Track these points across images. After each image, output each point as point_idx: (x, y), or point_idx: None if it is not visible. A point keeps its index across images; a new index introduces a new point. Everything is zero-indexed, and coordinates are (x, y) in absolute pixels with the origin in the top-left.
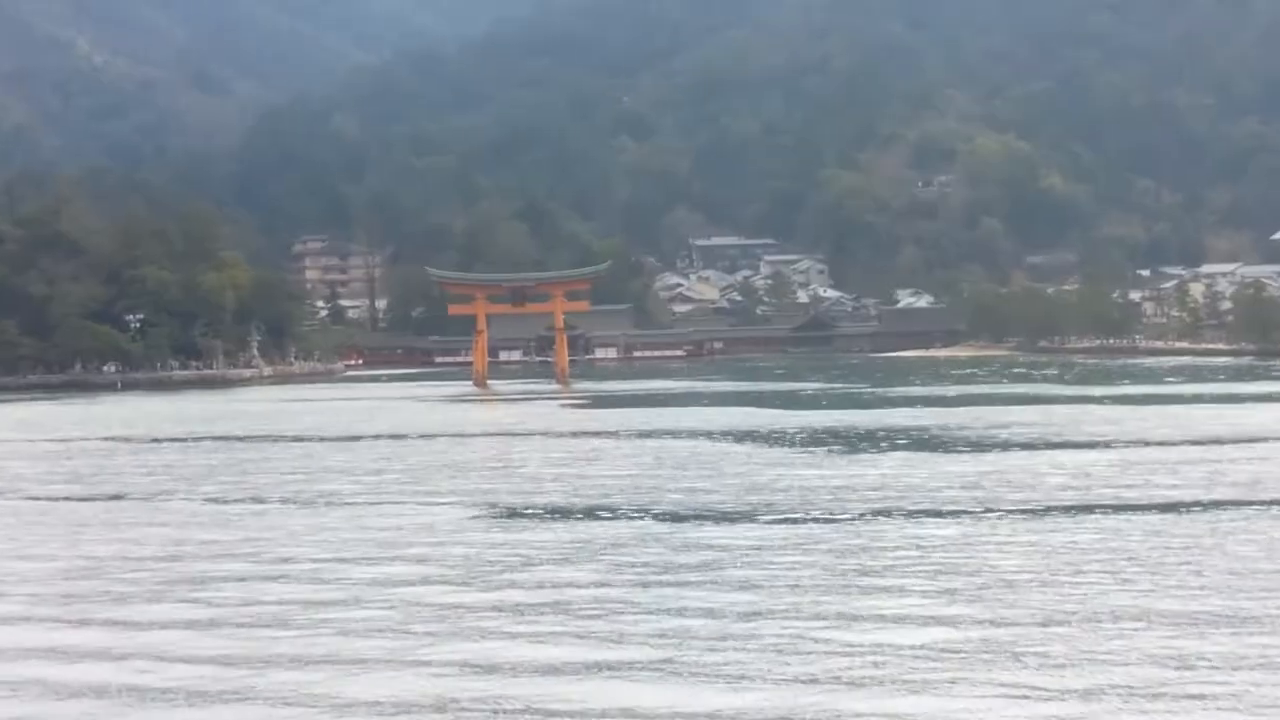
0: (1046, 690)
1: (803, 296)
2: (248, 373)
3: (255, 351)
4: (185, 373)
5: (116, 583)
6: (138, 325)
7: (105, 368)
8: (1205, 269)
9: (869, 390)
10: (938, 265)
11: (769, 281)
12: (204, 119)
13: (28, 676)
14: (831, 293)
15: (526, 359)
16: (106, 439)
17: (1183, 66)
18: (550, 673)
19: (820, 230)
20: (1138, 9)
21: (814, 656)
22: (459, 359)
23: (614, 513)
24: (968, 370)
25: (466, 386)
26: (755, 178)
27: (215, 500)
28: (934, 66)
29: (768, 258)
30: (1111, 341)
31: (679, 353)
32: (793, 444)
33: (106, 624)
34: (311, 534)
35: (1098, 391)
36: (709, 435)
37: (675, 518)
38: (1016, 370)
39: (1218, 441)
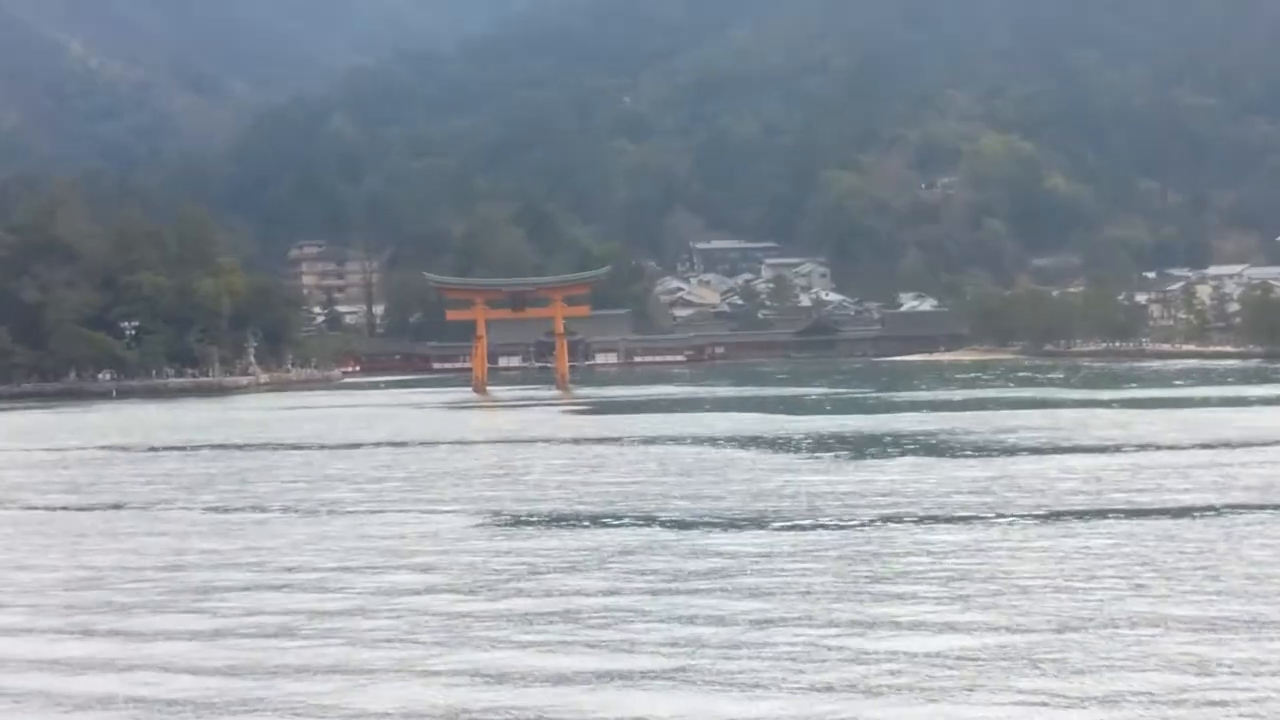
0: (1066, 697)
1: (805, 300)
2: (244, 380)
3: (252, 358)
4: (181, 380)
5: (119, 593)
6: (133, 332)
7: (100, 375)
8: (1212, 271)
9: (874, 395)
10: (941, 268)
11: (770, 285)
12: (199, 121)
13: (31, 688)
14: (834, 296)
15: (526, 365)
16: (103, 448)
17: (1188, 66)
18: (561, 682)
19: (822, 233)
20: (1142, 7)
21: (828, 664)
22: (457, 365)
23: (620, 520)
24: (972, 374)
25: (466, 393)
26: (756, 180)
27: (215, 509)
28: (935, 66)
29: (769, 261)
30: (1118, 345)
31: (680, 358)
32: (799, 449)
33: (110, 635)
34: (314, 543)
35: (1105, 395)
36: (713, 441)
37: (682, 525)
38: (1022, 374)
39: (1228, 445)
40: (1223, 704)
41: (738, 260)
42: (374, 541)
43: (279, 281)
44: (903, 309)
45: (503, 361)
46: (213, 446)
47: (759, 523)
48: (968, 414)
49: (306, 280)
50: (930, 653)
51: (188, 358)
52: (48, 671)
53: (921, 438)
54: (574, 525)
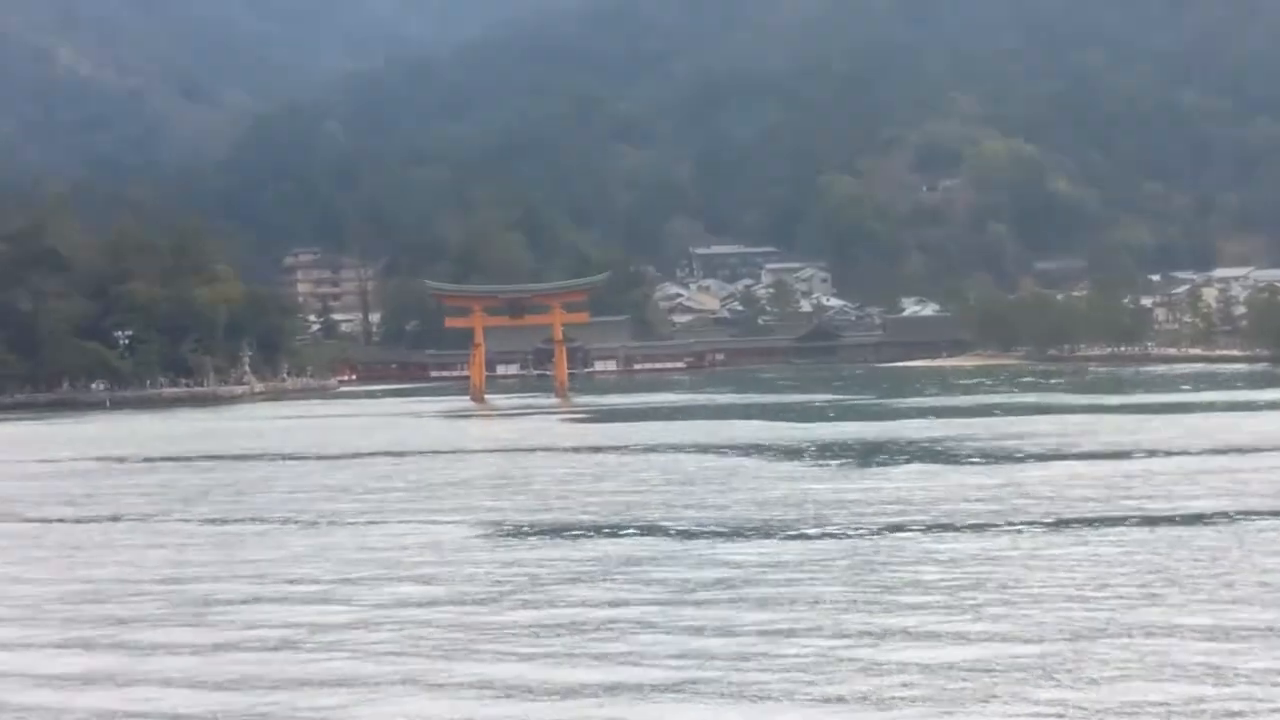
0: (1082, 708)
1: (805, 306)
2: (239, 389)
3: (247, 368)
4: (175, 390)
5: (118, 607)
6: (126, 342)
7: (94, 385)
8: (1218, 273)
9: (877, 402)
10: (943, 272)
11: (771, 291)
12: (192, 130)
13: (31, 704)
14: (835, 302)
15: (524, 372)
16: (98, 459)
17: (1193, 67)
18: (569, 695)
19: (822, 237)
20: (1147, 8)
21: (840, 676)
22: (455, 373)
23: (624, 530)
24: (976, 380)
25: (464, 401)
26: (755, 184)
27: (214, 521)
28: (937, 68)
29: (769, 266)
30: (1123, 349)
31: (680, 365)
32: (803, 457)
33: (110, 649)
34: (315, 554)
35: (1112, 400)
36: (716, 449)
37: (687, 534)
38: (1026, 379)
39: (1238, 450)
40: (1241, 714)
41: (737, 265)
42: (375, 553)
43: (274, 290)
44: (905, 314)
45: (500, 369)
46: (209, 457)
47: (765, 532)
48: (973, 420)
49: (301, 288)
50: (943, 663)
51: (182, 367)
52: (47, 687)
53: (927, 445)
54: (577, 535)
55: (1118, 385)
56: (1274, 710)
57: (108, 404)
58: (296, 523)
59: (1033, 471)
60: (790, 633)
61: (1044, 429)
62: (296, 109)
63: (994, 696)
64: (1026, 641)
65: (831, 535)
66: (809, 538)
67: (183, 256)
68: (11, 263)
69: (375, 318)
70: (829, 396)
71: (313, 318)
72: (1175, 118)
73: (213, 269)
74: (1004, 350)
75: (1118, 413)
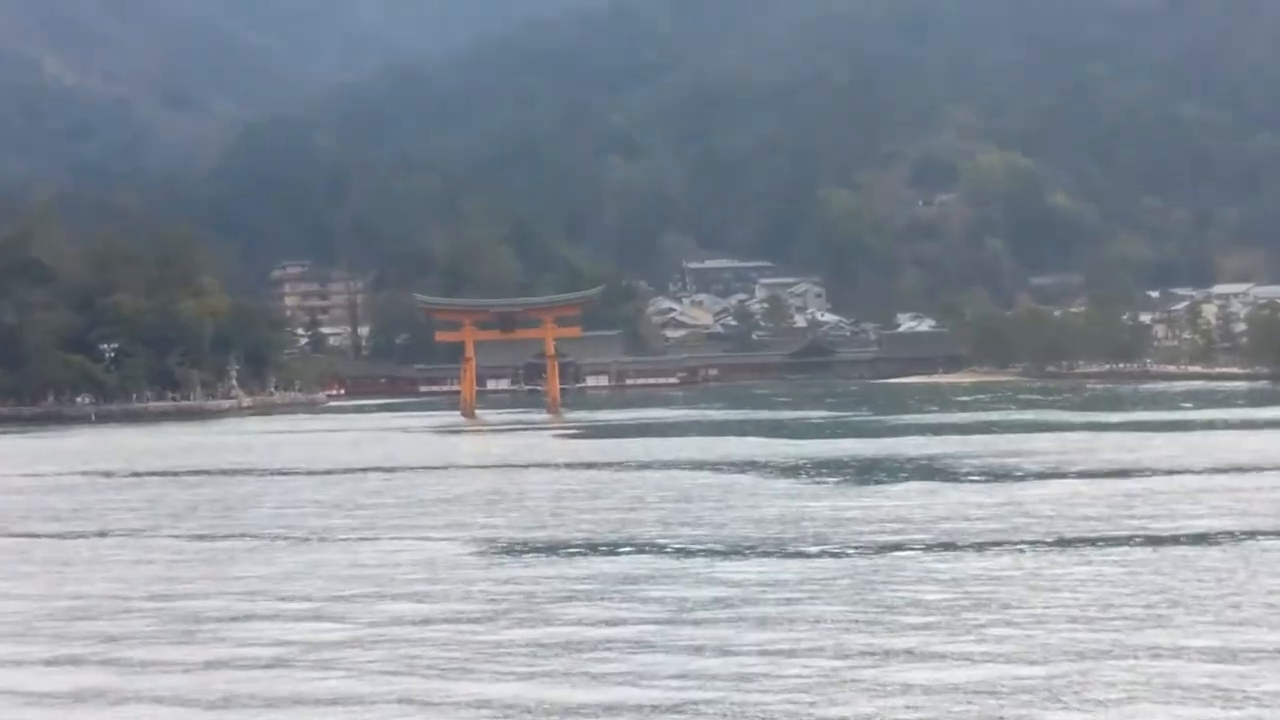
0: None
1: (800, 321)
2: (226, 404)
3: (234, 381)
4: (161, 404)
5: (108, 623)
6: (112, 355)
7: (79, 399)
8: (1217, 289)
9: (874, 418)
10: (939, 287)
11: (765, 305)
12: (179, 139)
13: None
14: (830, 317)
15: (515, 388)
16: (84, 473)
17: (1193, 79)
18: (568, 715)
19: (818, 252)
20: (1146, 20)
21: (843, 697)
22: (445, 388)
23: (620, 547)
24: (973, 397)
25: (454, 417)
26: (750, 198)
27: (203, 537)
28: (934, 81)
29: (763, 281)
30: (1121, 366)
31: (673, 380)
32: (800, 475)
33: (101, 666)
34: (306, 571)
35: (1112, 418)
36: (712, 466)
37: (684, 552)
38: (1024, 396)
39: (1240, 469)
40: None
41: (731, 280)
42: (368, 570)
43: (261, 303)
44: (900, 330)
45: (491, 384)
46: (197, 472)
47: (763, 550)
48: (971, 438)
49: (289, 301)
50: (947, 685)
51: (168, 381)
52: (37, 705)
53: (925, 462)
54: (573, 553)
55: (1117, 402)
56: None
57: (93, 418)
58: (287, 539)
59: (1033, 490)
60: (791, 653)
61: (1043, 447)
62: (284, 119)
63: (1000, 719)
64: (1031, 663)
65: (831, 554)
66: (808, 556)
67: (169, 268)
68: None
69: (364, 331)
70: (824, 413)
71: (301, 331)
72: (1174, 131)
73: (199, 281)
74: (1001, 367)
75: (1118, 430)
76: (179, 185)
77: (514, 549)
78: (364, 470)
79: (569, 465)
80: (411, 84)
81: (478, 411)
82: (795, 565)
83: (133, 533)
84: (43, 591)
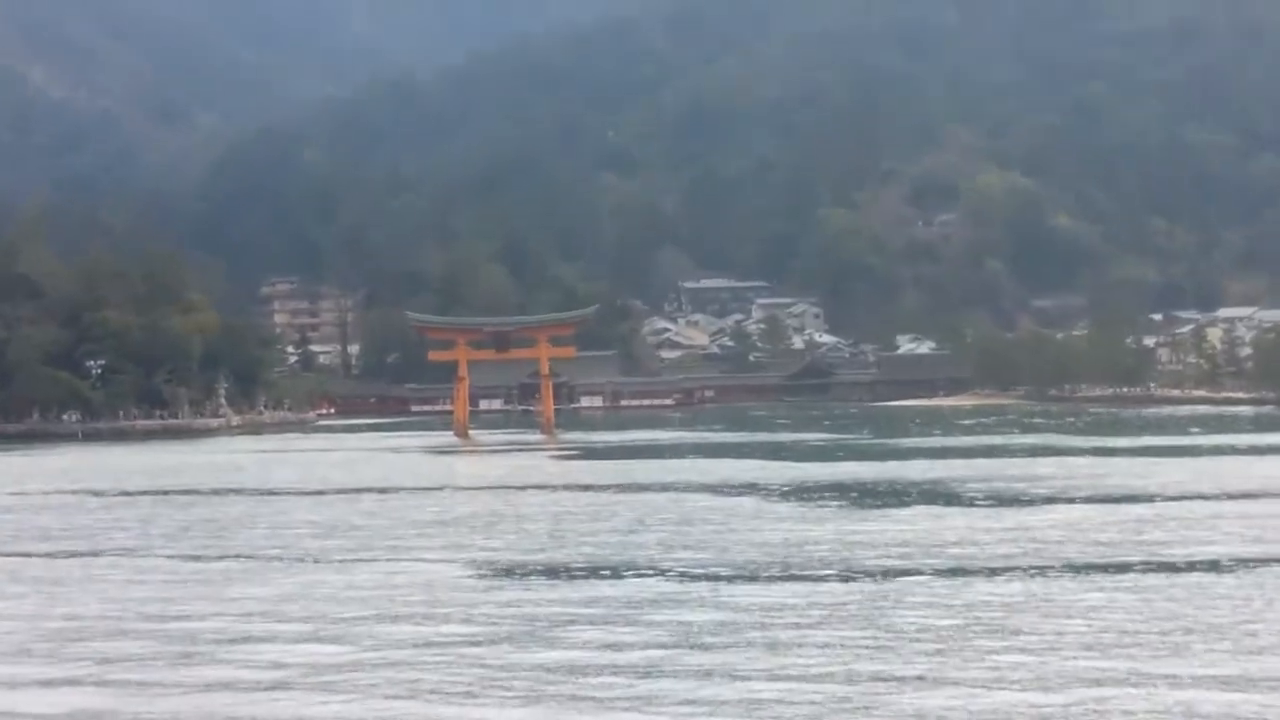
0: None
1: (798, 342)
2: (215, 422)
3: (223, 400)
4: (149, 422)
5: (103, 644)
6: (99, 372)
7: (65, 416)
8: (1222, 313)
9: (875, 441)
10: (940, 309)
11: (762, 326)
12: (166, 153)
13: None
14: (828, 338)
15: (508, 408)
16: (74, 492)
17: (1198, 101)
18: None
19: (816, 272)
20: (1150, 40)
21: None
22: (437, 408)
23: (620, 571)
24: (975, 420)
25: (447, 437)
26: (747, 217)
27: (197, 557)
28: (935, 99)
29: (760, 301)
30: (1125, 390)
31: (668, 401)
32: (802, 498)
33: (97, 687)
34: (303, 593)
35: (1118, 443)
36: (712, 489)
37: (687, 576)
38: (1027, 420)
39: (1250, 495)
40: None
41: (728, 300)
42: (365, 592)
43: (250, 320)
44: (900, 352)
45: (483, 404)
46: (188, 492)
47: (768, 574)
48: (975, 462)
49: (279, 319)
50: (962, 711)
51: (156, 399)
52: None
53: (929, 486)
54: (573, 576)
55: (1121, 427)
56: None
57: (80, 436)
58: (282, 560)
59: (1041, 515)
60: (801, 678)
61: (1049, 471)
62: (273, 133)
63: None
64: (1047, 690)
65: (837, 578)
66: (813, 580)
67: (157, 284)
68: None
69: (354, 350)
70: (824, 436)
71: (290, 349)
72: (1178, 152)
73: (188, 298)
74: (1002, 390)
75: (1125, 455)
76: (166, 200)
77: (514, 572)
78: (357, 491)
79: (566, 487)
80: (403, 98)
81: (471, 432)
82: (802, 589)
83: (125, 553)
84: (35, 612)
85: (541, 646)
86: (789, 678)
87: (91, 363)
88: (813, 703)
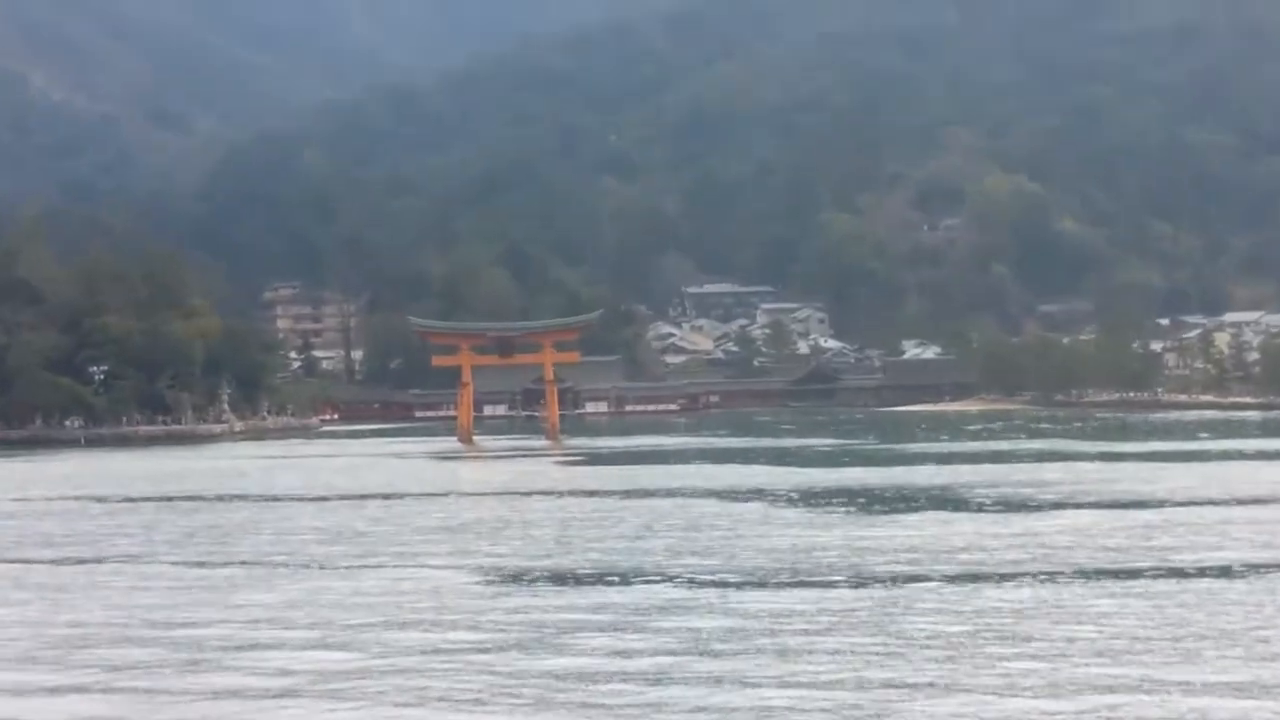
0: None
1: (803, 347)
2: (218, 428)
3: (225, 405)
4: (152, 428)
5: (109, 651)
6: (101, 377)
7: (67, 422)
8: (1229, 318)
9: (882, 447)
10: (945, 314)
11: (767, 331)
12: (166, 157)
13: None
14: (833, 343)
15: (512, 413)
16: (76, 498)
17: (1203, 103)
18: None
19: (820, 277)
20: (1155, 41)
21: None
22: (440, 413)
23: (628, 577)
24: (981, 425)
25: (451, 443)
26: (750, 221)
27: (202, 564)
28: (938, 101)
29: (765, 306)
30: (1132, 395)
31: (673, 406)
32: (809, 504)
33: (104, 694)
34: (309, 599)
35: (1126, 448)
36: (718, 495)
37: (695, 583)
38: (1034, 425)
39: (1260, 501)
40: None
41: (732, 305)
42: (372, 598)
43: (253, 325)
44: (905, 357)
45: (487, 410)
46: (191, 498)
47: (776, 580)
48: (982, 467)
49: (281, 324)
50: (974, 718)
51: (159, 404)
52: None
53: (937, 492)
54: (580, 582)
55: (1128, 432)
56: None
57: (82, 441)
58: (287, 566)
59: (1050, 520)
60: (812, 685)
61: (1057, 477)
62: (274, 137)
63: None
64: (1059, 697)
65: (846, 584)
66: (823, 587)
67: (157, 288)
68: None
69: (358, 355)
70: (831, 441)
71: (293, 354)
72: (1186, 156)
73: (189, 302)
74: (1008, 395)
75: (1132, 460)
76: (166, 203)
77: (521, 578)
78: (362, 497)
79: (572, 493)
80: (403, 102)
81: (475, 438)
82: (811, 595)
83: (129, 559)
84: (39, 619)
85: (550, 653)
86: (800, 684)
87: (93, 368)
88: (824, 710)
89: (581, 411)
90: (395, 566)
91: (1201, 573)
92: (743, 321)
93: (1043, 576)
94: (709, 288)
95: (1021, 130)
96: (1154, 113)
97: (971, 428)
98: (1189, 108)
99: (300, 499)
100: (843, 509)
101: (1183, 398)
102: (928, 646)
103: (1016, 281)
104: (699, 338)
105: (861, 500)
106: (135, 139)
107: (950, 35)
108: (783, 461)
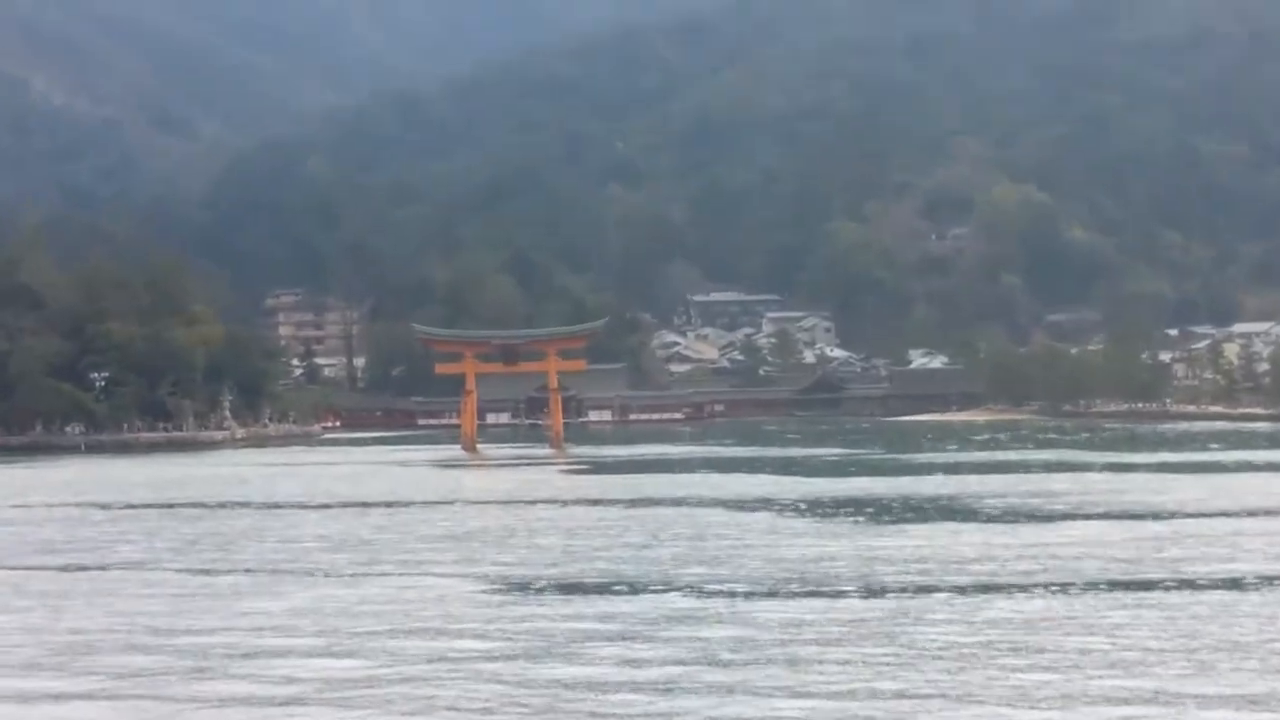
0: None
1: (809, 356)
2: (219, 435)
3: (227, 412)
4: (153, 435)
5: (114, 659)
6: (102, 383)
7: (68, 429)
8: (1238, 328)
9: (889, 456)
10: (952, 323)
11: (772, 340)
12: (168, 163)
13: None
14: (839, 352)
15: (515, 421)
16: (79, 505)
17: (1213, 111)
18: None
19: (826, 286)
20: (1164, 49)
21: None
22: (443, 421)
23: (635, 586)
24: (989, 436)
25: (454, 451)
26: (756, 229)
27: (206, 571)
28: (945, 110)
29: (770, 315)
30: (1140, 406)
31: (678, 415)
32: (817, 514)
33: (110, 701)
34: (314, 607)
35: (1135, 459)
36: (724, 504)
37: (703, 592)
38: (1042, 436)
39: (1271, 513)
40: None
41: (737, 314)
42: (378, 607)
43: (255, 332)
44: (912, 366)
45: (490, 418)
46: (194, 505)
47: (783, 590)
48: (990, 477)
49: (283, 330)
50: None
51: (160, 411)
52: None
53: (945, 502)
54: (586, 591)
55: (1138, 443)
56: None
57: (83, 448)
58: (291, 573)
59: (1059, 531)
60: (823, 695)
61: (1066, 487)
62: (278, 143)
63: None
64: (1073, 709)
65: (855, 595)
66: (832, 597)
67: (159, 294)
68: None
69: (360, 362)
70: (838, 450)
71: (295, 361)
72: (1195, 165)
73: (191, 309)
74: (1016, 405)
75: (1142, 471)
76: (168, 209)
77: (528, 587)
78: (365, 505)
79: (578, 502)
80: (408, 108)
81: (479, 446)
82: (820, 605)
83: (133, 566)
84: (43, 625)
85: (558, 662)
86: (811, 695)
87: (95, 374)
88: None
89: (585, 420)
90: (401, 575)
91: (1214, 585)
92: (748, 330)
93: (1054, 588)
94: (714, 296)
95: (1030, 139)
96: (1163, 121)
97: (979, 438)
98: (1198, 116)
99: (303, 506)
100: (851, 519)
101: (1192, 408)
102: (939, 657)
103: (1024, 291)
104: (704, 346)
105: (869, 510)
106: (138, 144)
107: (958, 43)
108: (789, 471)
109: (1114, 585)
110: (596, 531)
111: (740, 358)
